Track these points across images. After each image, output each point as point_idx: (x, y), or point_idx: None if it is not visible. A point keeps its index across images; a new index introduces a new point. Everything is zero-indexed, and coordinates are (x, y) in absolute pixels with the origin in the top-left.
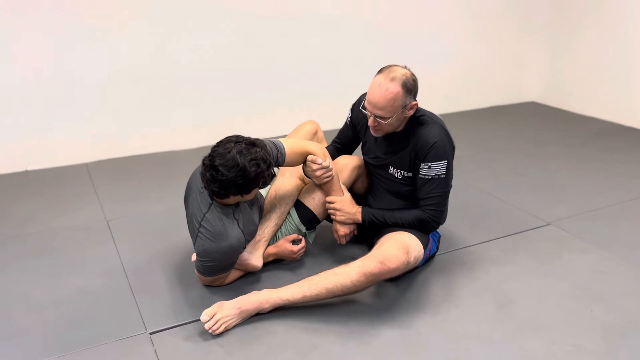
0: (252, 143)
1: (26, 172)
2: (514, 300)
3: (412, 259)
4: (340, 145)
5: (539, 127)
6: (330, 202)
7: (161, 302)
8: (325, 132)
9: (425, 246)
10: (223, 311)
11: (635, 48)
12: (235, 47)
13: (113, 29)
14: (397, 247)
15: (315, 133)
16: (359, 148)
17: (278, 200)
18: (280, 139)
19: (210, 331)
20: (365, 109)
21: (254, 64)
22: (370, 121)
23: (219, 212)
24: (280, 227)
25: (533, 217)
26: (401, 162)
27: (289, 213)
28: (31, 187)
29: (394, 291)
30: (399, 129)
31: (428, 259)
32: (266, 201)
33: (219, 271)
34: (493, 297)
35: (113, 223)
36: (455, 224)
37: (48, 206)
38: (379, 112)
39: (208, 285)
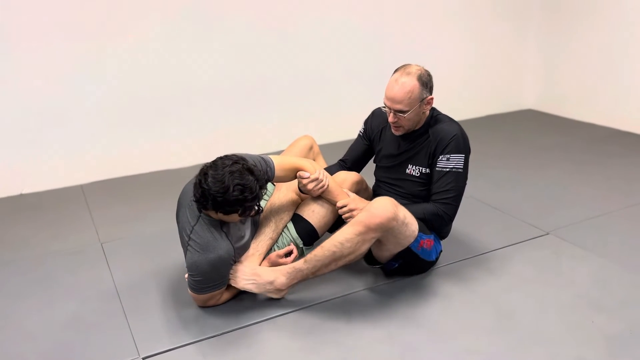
0: (250, 170)
1: (21, 196)
2: (514, 312)
3: (401, 215)
4: (349, 162)
5: (537, 134)
6: (342, 206)
7: (154, 326)
8: (321, 147)
9: (422, 232)
10: (241, 268)
11: (630, 53)
12: (230, 65)
13: (107, 50)
14: (387, 200)
15: (311, 148)
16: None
17: (273, 214)
18: (272, 156)
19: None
20: (385, 107)
21: (248, 82)
22: (391, 117)
23: (207, 224)
24: (276, 241)
25: (531, 226)
26: (420, 157)
27: (286, 227)
28: (26, 210)
29: (392, 306)
30: (418, 127)
31: (426, 266)
32: (261, 216)
33: (210, 287)
34: (492, 310)
35: (107, 245)
36: (452, 235)
37: (43, 230)
38: (398, 106)
39: (203, 307)
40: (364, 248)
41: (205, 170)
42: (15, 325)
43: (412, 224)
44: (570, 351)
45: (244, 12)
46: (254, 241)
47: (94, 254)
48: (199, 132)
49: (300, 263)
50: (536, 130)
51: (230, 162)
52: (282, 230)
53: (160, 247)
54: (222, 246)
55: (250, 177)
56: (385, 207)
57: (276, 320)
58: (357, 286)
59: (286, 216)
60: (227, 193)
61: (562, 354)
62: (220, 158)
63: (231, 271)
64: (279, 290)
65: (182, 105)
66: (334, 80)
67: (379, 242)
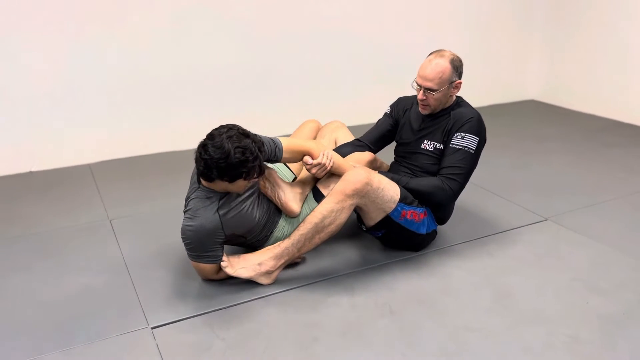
0: (246, 134)
1: (31, 173)
2: (512, 293)
3: (375, 181)
4: (364, 141)
5: (539, 125)
6: None
7: (163, 298)
8: None
9: (405, 202)
10: (231, 258)
11: (633, 45)
12: (237, 50)
13: (116, 32)
14: (360, 169)
15: (318, 131)
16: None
17: (304, 174)
18: (281, 138)
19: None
20: (416, 85)
21: (255, 67)
22: (420, 95)
23: (203, 195)
24: (306, 195)
25: (531, 212)
26: (436, 133)
27: (308, 198)
28: (36, 187)
29: (393, 284)
30: (443, 108)
31: (416, 240)
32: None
33: (200, 257)
34: (491, 290)
35: (116, 222)
36: (453, 219)
37: (52, 206)
38: (428, 84)
39: (208, 280)
40: (343, 216)
41: (204, 143)
42: (28, 297)
43: (389, 190)
44: (565, 330)
45: None
46: (292, 188)
47: (103, 230)
48: (207, 115)
49: (285, 242)
50: (538, 120)
51: (226, 130)
52: (308, 194)
53: (168, 224)
54: (207, 216)
55: (247, 140)
56: (359, 174)
57: (280, 296)
58: (360, 264)
59: (311, 180)
60: (229, 157)
61: (557, 332)
62: (215, 129)
63: (224, 259)
64: (268, 273)
65: (190, 88)
66: (339, 68)
67: (361, 209)
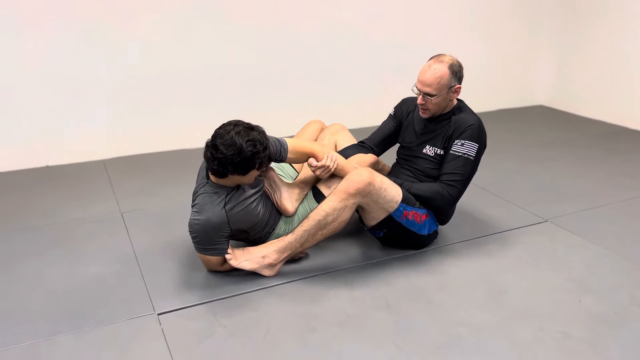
0: (251, 127)
1: (47, 168)
2: (507, 291)
3: (377, 181)
4: (369, 143)
5: (545, 130)
6: None
7: (169, 287)
8: None
9: (407, 203)
10: (236, 250)
11: None
12: (244, 51)
13: (127, 30)
14: (363, 169)
15: (321, 131)
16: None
17: (304, 176)
18: (286, 138)
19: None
20: (415, 90)
21: (263, 67)
22: (420, 99)
23: (210, 191)
24: (304, 196)
25: (531, 214)
26: (438, 139)
27: (308, 197)
28: (51, 181)
29: (391, 279)
30: (444, 112)
31: (418, 240)
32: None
33: (206, 250)
34: (486, 288)
35: (127, 215)
36: (454, 219)
37: (67, 199)
38: (427, 89)
39: (214, 271)
40: (345, 215)
41: (213, 142)
42: (42, 284)
43: (391, 190)
44: (556, 327)
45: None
46: (289, 188)
47: (115, 223)
48: (215, 114)
49: (288, 236)
50: (545, 126)
51: (232, 126)
52: (307, 193)
53: (177, 218)
54: (214, 211)
55: (254, 132)
56: (362, 174)
57: (282, 287)
58: (360, 260)
59: (312, 179)
60: (242, 152)
61: (549, 329)
62: (220, 128)
63: (229, 252)
64: (271, 265)
65: (201, 88)
66: (345, 69)
67: (363, 209)
